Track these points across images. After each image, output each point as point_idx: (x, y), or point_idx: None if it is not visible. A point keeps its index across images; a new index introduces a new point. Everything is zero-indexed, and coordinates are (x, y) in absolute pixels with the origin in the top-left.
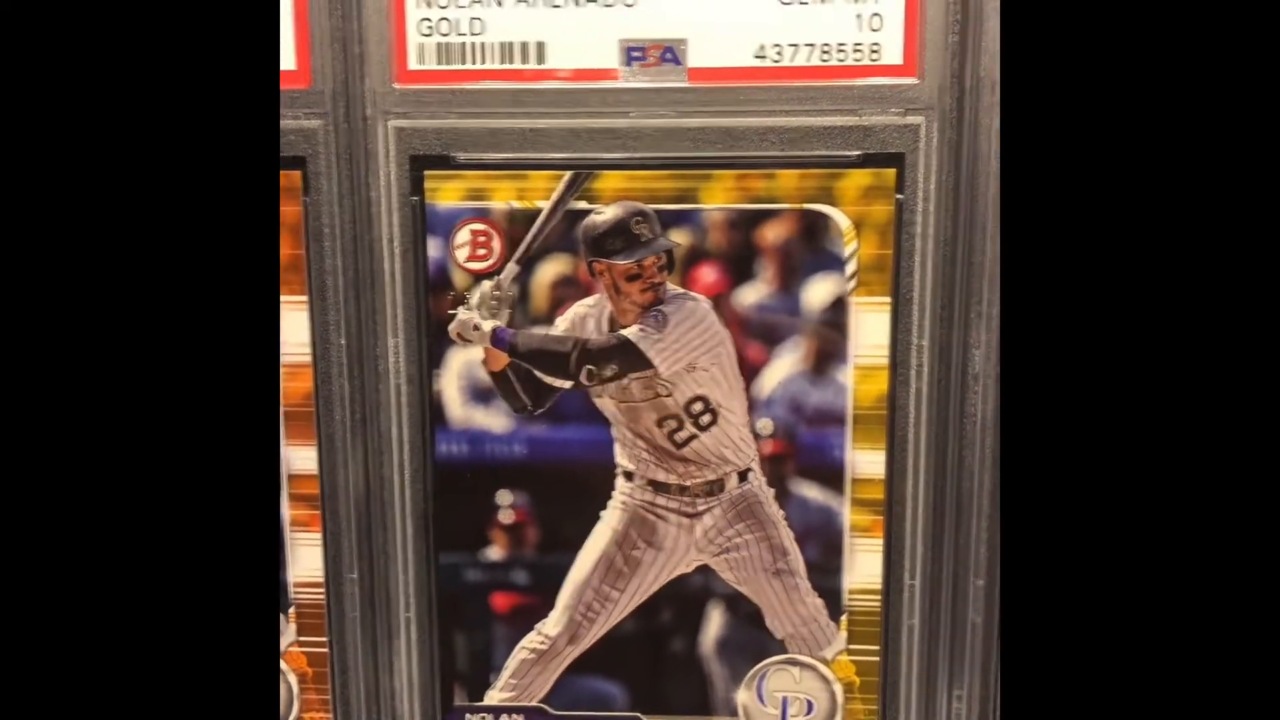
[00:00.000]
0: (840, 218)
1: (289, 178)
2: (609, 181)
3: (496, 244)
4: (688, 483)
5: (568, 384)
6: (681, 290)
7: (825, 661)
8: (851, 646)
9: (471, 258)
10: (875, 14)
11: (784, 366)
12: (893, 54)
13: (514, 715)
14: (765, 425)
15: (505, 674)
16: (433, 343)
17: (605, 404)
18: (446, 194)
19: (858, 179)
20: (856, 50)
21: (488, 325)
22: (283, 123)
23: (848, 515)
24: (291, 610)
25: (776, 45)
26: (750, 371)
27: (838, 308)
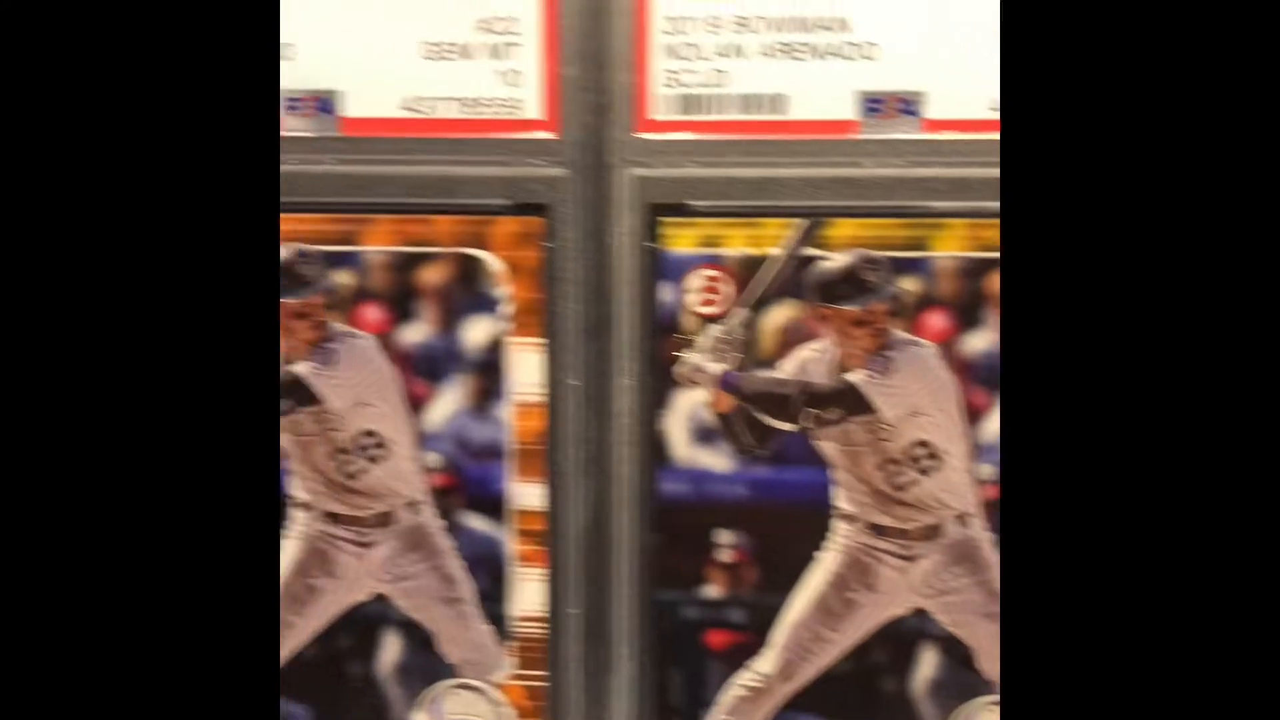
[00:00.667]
0: None
1: (530, 224)
2: (841, 229)
3: (727, 289)
4: (907, 526)
5: (792, 427)
6: (909, 337)
7: None
8: None
9: (703, 302)
10: None
11: None
12: None
13: None
14: (986, 470)
15: (719, 711)
16: (661, 384)
17: (828, 447)
18: (681, 240)
19: None
20: None
21: (716, 368)
22: (528, 170)
23: None
24: (513, 644)
25: None
26: (974, 417)
27: None
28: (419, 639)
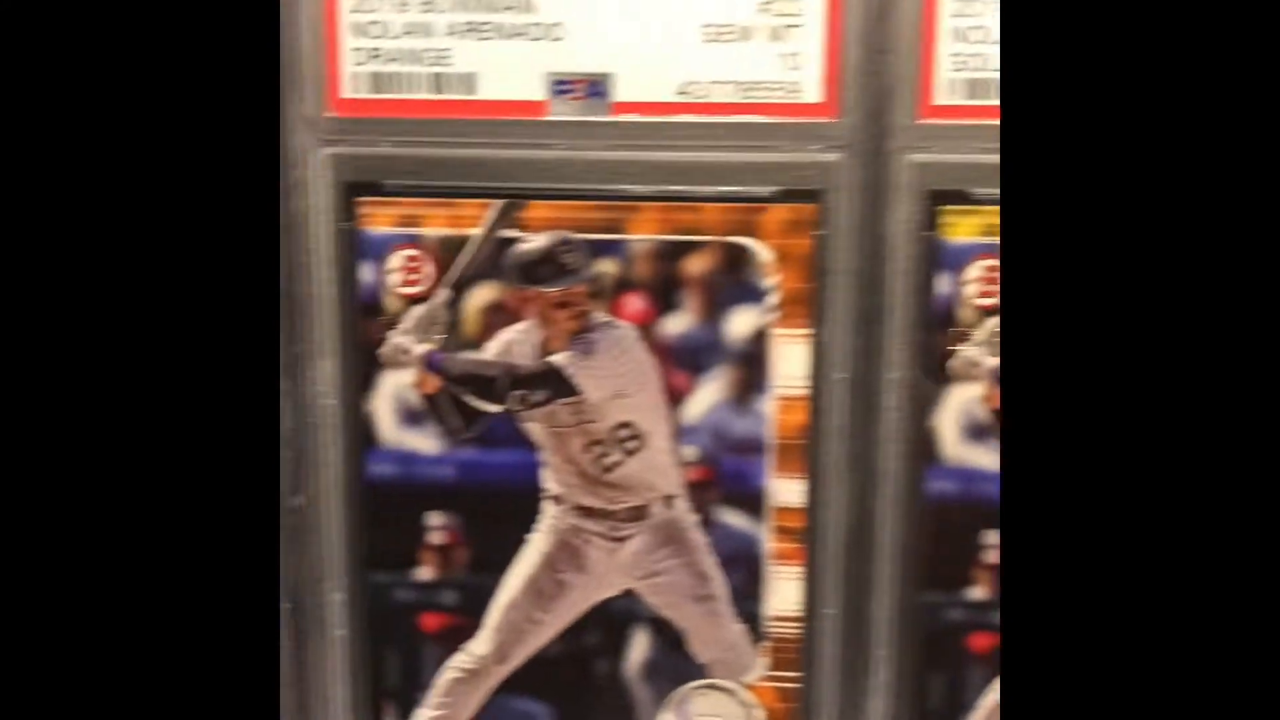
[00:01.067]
0: None
1: (802, 211)
2: None
3: None
4: None
5: None
6: None
7: None
8: None
9: (983, 294)
10: None
11: None
12: None
13: None
14: None
15: (978, 714)
16: (932, 378)
17: None
18: (962, 228)
19: None
20: None
21: (993, 362)
22: (803, 156)
23: None
24: (766, 644)
25: None
26: None
27: None
28: (668, 637)
